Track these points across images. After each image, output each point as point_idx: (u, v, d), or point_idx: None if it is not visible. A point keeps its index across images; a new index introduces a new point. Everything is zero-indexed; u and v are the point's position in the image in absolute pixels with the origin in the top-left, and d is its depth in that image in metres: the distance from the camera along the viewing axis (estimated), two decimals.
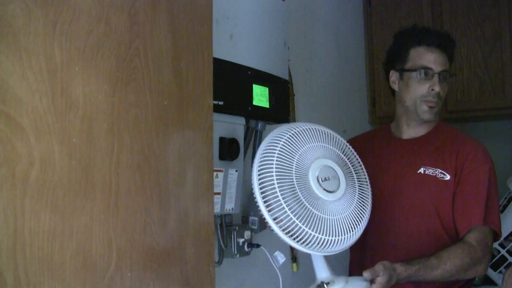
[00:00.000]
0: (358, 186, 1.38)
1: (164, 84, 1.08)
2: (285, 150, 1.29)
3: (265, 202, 1.25)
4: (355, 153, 1.43)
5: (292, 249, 2.08)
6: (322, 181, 1.29)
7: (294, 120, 2.12)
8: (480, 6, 2.64)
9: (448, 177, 1.57)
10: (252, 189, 1.28)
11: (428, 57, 1.61)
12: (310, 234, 1.24)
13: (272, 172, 1.26)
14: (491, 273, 2.29)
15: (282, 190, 1.25)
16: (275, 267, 1.65)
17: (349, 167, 1.39)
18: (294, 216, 1.24)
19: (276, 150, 1.29)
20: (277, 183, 1.25)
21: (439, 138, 1.66)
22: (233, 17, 1.58)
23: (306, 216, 1.25)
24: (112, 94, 0.96)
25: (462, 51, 2.66)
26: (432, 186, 1.58)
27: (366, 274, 1.30)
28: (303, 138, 1.33)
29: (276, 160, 1.27)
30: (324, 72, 2.47)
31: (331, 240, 1.27)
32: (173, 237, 1.08)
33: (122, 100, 0.98)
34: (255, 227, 1.76)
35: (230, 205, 1.62)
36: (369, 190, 1.41)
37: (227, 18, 1.56)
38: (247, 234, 1.71)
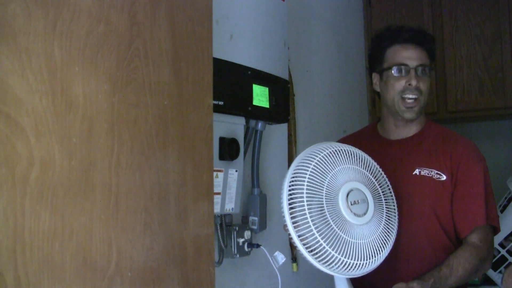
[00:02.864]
0: (386, 211, 1.40)
1: (164, 84, 1.08)
2: (317, 170, 1.31)
3: (292, 218, 1.27)
4: (385, 177, 1.45)
5: (292, 249, 2.08)
6: (351, 204, 1.31)
7: (294, 120, 2.12)
8: (480, 6, 2.64)
9: (444, 177, 1.57)
10: (281, 203, 1.30)
11: (403, 54, 1.62)
12: (335, 256, 1.26)
13: (302, 191, 1.28)
14: (491, 273, 2.29)
15: (310, 210, 1.26)
16: (274, 267, 1.65)
17: (378, 191, 1.40)
18: (320, 236, 1.25)
19: (308, 169, 1.30)
20: (307, 202, 1.26)
21: (429, 138, 1.66)
22: (233, 17, 1.58)
23: (332, 238, 1.26)
24: (112, 94, 0.96)
25: (462, 51, 2.66)
26: (429, 187, 1.58)
27: None
28: (335, 159, 1.34)
29: (308, 180, 1.29)
30: (324, 72, 2.47)
31: (355, 263, 1.28)
32: (173, 237, 1.08)
33: (122, 100, 0.98)
34: (255, 227, 1.76)
35: (230, 205, 1.62)
36: (396, 215, 1.43)
37: (227, 18, 1.56)
38: (247, 234, 1.71)
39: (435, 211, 1.57)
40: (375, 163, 1.44)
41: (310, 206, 1.26)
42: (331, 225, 1.27)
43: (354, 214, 1.30)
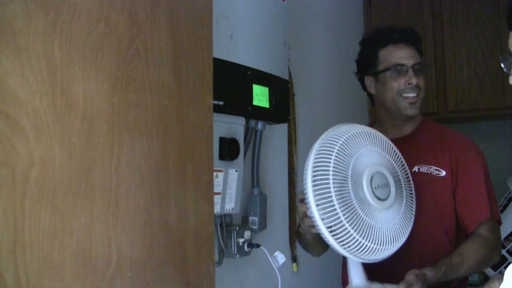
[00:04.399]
0: (406, 196, 1.39)
1: (164, 84, 1.08)
2: (343, 150, 1.29)
3: (315, 196, 1.25)
4: (404, 163, 1.45)
5: (292, 249, 2.08)
6: (375, 188, 1.29)
7: (294, 120, 2.12)
8: (480, 6, 2.64)
9: (443, 173, 1.58)
10: (304, 184, 1.27)
11: (397, 54, 1.62)
12: (356, 238, 1.24)
13: (328, 172, 1.25)
14: (491, 273, 2.29)
15: (336, 190, 1.24)
16: (274, 267, 1.66)
17: (399, 176, 1.39)
18: (344, 217, 1.23)
19: (334, 148, 1.28)
20: (333, 181, 1.24)
21: (425, 135, 1.67)
22: (233, 17, 1.58)
23: (355, 220, 1.24)
24: (112, 94, 0.96)
25: (462, 51, 2.66)
26: (429, 183, 1.58)
27: (403, 286, 1.31)
28: (359, 141, 1.33)
29: (334, 161, 1.26)
30: (324, 72, 2.47)
31: (375, 248, 1.27)
32: (173, 237, 1.08)
33: (122, 100, 0.98)
34: (255, 227, 1.76)
35: (230, 205, 1.62)
36: (414, 201, 1.43)
37: (227, 18, 1.56)
38: (247, 234, 1.71)
39: (435, 208, 1.58)
40: (394, 146, 1.43)
41: (335, 188, 1.24)
42: (355, 208, 1.25)
43: (378, 198, 1.29)
